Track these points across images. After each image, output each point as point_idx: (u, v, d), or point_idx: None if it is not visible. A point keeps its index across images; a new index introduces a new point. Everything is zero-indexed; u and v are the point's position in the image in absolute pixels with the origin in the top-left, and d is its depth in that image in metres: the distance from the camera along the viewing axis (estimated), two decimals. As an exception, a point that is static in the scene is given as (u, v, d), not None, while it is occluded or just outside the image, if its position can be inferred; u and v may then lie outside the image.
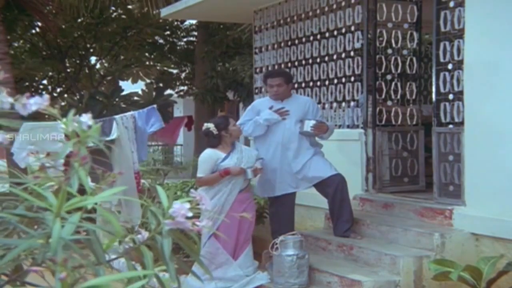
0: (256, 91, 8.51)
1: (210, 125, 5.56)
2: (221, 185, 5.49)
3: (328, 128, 5.82)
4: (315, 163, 5.81)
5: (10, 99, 1.41)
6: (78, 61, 16.32)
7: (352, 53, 6.87)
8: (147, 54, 17.53)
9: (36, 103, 1.39)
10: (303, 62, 7.63)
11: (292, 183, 5.84)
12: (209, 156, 5.54)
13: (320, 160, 5.87)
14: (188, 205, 1.22)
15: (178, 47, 17.73)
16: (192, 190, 1.47)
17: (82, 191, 1.29)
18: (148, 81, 17.52)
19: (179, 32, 17.54)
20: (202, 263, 1.37)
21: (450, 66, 5.59)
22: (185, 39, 17.89)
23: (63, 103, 15.33)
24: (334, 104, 7.15)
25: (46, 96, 1.40)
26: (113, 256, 1.24)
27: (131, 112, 6.46)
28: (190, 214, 1.22)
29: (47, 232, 1.19)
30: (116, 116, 6.23)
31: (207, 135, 5.58)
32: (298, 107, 5.85)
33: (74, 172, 1.25)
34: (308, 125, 5.71)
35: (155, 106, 6.58)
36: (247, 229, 5.61)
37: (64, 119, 1.31)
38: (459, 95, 5.48)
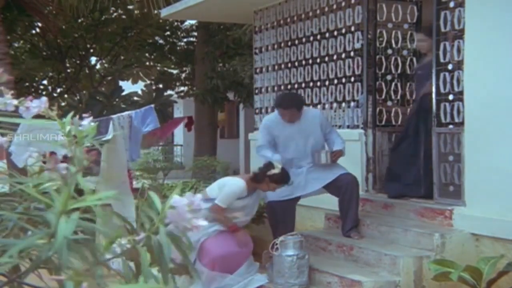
0: (256, 91, 8.51)
1: (278, 167, 5.42)
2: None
3: (342, 151, 5.84)
4: (323, 166, 5.82)
5: (15, 101, 1.41)
6: (78, 62, 16.30)
7: (352, 54, 6.86)
8: (147, 54, 17.51)
9: (36, 106, 1.39)
10: (303, 62, 7.63)
11: (298, 185, 5.82)
12: (240, 190, 5.37)
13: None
14: (185, 200, 1.21)
15: (178, 48, 17.71)
16: (188, 193, 1.46)
17: (78, 191, 1.29)
18: (148, 81, 17.50)
19: (179, 33, 17.53)
20: (194, 270, 1.36)
21: (450, 66, 5.58)
22: (185, 40, 17.87)
23: (63, 103, 15.31)
24: (334, 105, 7.14)
25: (44, 99, 1.40)
26: (109, 256, 1.23)
27: (128, 112, 6.42)
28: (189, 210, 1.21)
29: (49, 231, 1.18)
30: (113, 116, 6.20)
31: (261, 169, 5.45)
32: (308, 124, 5.85)
33: (71, 174, 1.25)
34: (324, 158, 5.74)
35: (152, 106, 6.54)
36: (242, 255, 5.51)
37: (60, 120, 1.31)
38: (459, 95, 5.47)
